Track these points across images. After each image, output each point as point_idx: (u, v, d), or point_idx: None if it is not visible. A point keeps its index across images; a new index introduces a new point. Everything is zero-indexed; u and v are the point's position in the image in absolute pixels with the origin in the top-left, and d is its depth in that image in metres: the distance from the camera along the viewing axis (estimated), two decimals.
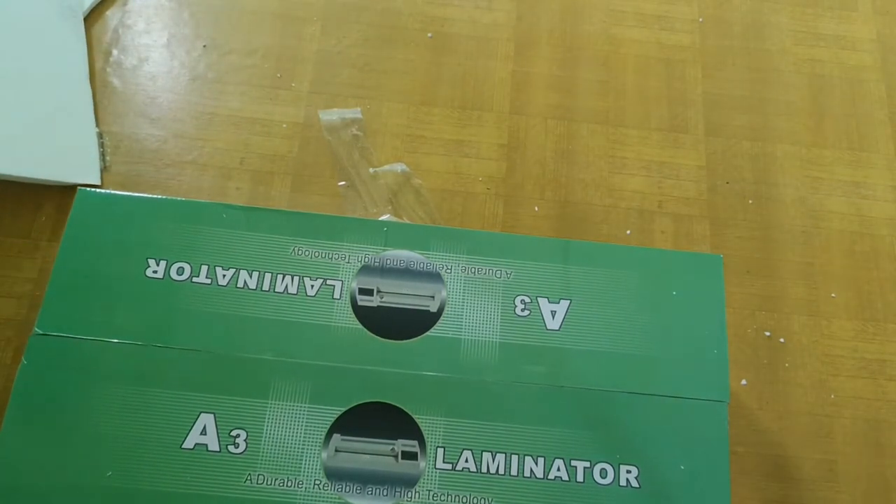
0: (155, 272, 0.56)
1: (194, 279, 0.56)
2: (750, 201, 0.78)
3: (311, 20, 0.84)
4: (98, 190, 0.63)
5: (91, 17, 0.82)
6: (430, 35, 0.84)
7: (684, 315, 0.57)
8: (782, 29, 0.88)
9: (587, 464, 0.52)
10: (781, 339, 0.72)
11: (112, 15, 0.83)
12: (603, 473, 0.52)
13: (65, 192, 0.72)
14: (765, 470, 0.67)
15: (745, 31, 0.87)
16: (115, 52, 0.81)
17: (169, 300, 0.55)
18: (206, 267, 0.56)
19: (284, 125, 0.78)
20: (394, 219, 0.73)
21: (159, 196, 0.59)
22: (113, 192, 0.60)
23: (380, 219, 0.73)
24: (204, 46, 0.82)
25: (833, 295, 0.75)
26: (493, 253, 0.59)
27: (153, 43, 0.82)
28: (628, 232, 0.76)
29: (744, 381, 0.70)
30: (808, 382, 0.71)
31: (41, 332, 0.53)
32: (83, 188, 0.59)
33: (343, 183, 0.76)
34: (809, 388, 0.71)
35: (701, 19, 0.87)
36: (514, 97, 0.82)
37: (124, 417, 0.52)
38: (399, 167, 0.76)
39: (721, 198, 0.78)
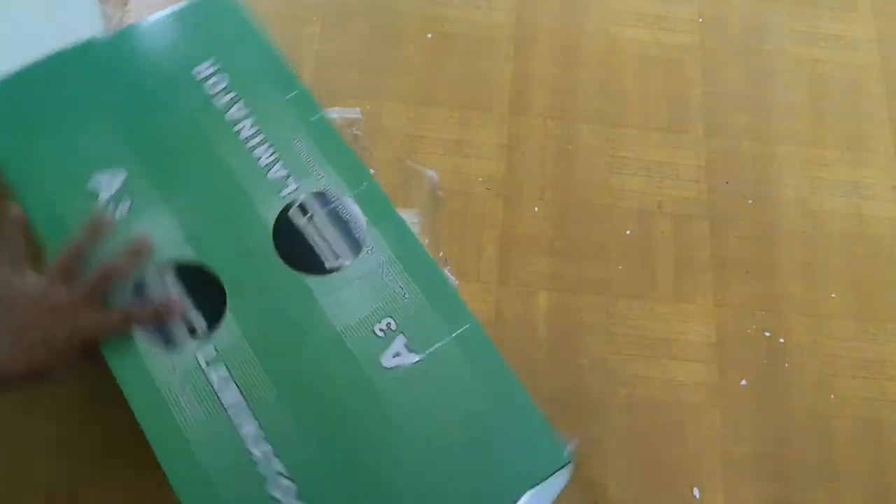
0: None
1: None
2: (750, 201, 0.78)
3: (311, 20, 0.84)
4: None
5: None
6: (429, 35, 0.84)
7: None
8: (782, 29, 0.88)
9: None
10: (781, 340, 0.72)
11: (112, 15, 0.83)
12: None
13: None
14: (765, 470, 0.67)
15: (744, 30, 0.87)
16: None
17: None
18: None
19: None
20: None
21: None
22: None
23: None
24: None
25: (833, 295, 0.75)
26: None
27: None
28: (628, 232, 0.76)
29: (744, 382, 0.70)
30: (808, 382, 0.71)
31: None
32: None
33: None
34: (809, 388, 0.70)
35: (701, 19, 0.87)
36: (514, 97, 0.82)
37: None
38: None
39: (721, 198, 0.78)
